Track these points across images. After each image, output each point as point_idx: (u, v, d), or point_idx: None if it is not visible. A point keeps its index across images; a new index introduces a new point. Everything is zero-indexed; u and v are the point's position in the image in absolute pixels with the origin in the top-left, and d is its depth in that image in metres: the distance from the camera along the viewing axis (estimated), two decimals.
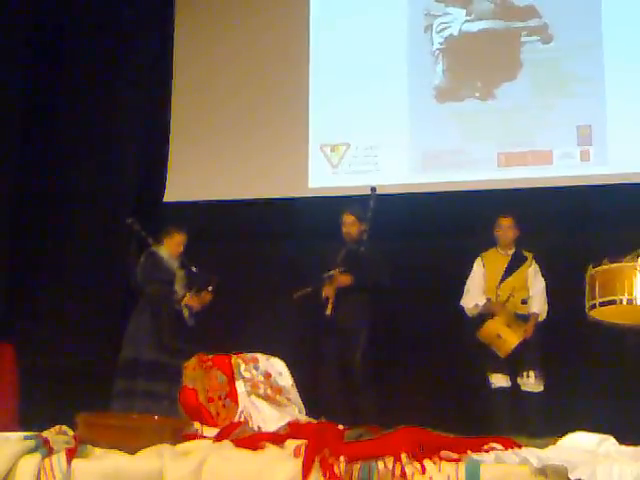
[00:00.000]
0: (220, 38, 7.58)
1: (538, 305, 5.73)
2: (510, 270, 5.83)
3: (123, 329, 5.99)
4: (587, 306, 4.97)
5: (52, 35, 7.57)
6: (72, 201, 7.33)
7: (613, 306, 4.82)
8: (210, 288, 6.05)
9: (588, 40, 6.83)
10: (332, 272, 5.94)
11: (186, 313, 5.95)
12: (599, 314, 4.96)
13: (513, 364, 5.65)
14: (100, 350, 6.61)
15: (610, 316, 4.98)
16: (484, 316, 5.82)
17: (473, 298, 5.94)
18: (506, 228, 5.87)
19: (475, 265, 6.00)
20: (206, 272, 6.11)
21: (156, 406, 5.38)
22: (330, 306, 5.89)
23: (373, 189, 6.02)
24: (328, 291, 5.94)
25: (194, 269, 6.05)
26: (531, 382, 5.57)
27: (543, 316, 5.75)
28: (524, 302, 5.74)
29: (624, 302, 4.72)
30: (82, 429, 3.22)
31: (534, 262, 5.82)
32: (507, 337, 5.63)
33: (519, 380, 5.61)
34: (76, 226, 7.29)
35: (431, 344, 6.53)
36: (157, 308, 5.92)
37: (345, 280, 5.93)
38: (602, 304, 4.84)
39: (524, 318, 5.74)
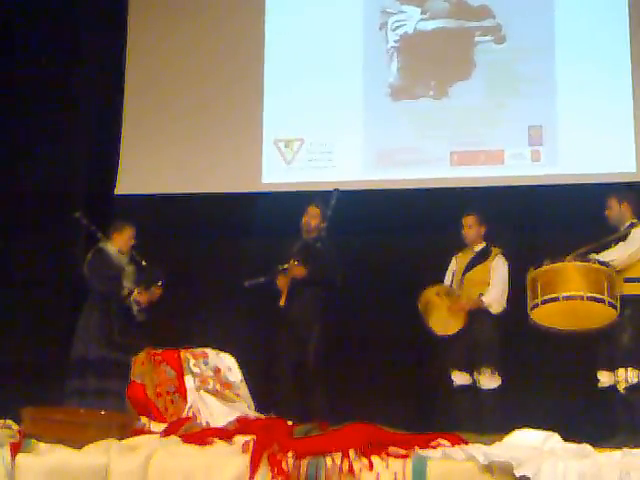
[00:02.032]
0: (173, 31, 7.50)
1: (489, 295, 5.70)
2: (472, 265, 5.87)
3: (74, 325, 5.91)
4: (529, 307, 5.09)
5: (2, 27, 7.44)
6: (21, 194, 7.19)
7: (554, 306, 4.96)
8: (159, 283, 6.00)
9: (540, 41, 6.90)
10: (287, 264, 5.93)
11: (135, 308, 5.90)
12: (541, 316, 5.07)
13: (471, 361, 5.69)
14: (50, 346, 6.54)
15: (551, 319, 5.09)
16: None
17: None
18: (468, 226, 5.93)
19: (450, 264, 6.05)
20: (156, 267, 6.06)
21: (108, 403, 5.35)
22: (283, 297, 5.87)
23: (336, 190, 6.06)
24: (282, 282, 5.93)
25: (144, 264, 5.99)
26: (487, 379, 5.62)
27: (497, 309, 5.69)
28: (481, 295, 5.77)
29: (563, 298, 4.88)
30: (27, 423, 3.18)
31: (498, 257, 5.80)
32: (445, 301, 5.72)
33: (476, 376, 5.65)
34: (25, 220, 7.16)
35: (383, 341, 6.57)
36: (106, 304, 5.86)
37: (299, 272, 5.91)
38: (545, 302, 4.97)
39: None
